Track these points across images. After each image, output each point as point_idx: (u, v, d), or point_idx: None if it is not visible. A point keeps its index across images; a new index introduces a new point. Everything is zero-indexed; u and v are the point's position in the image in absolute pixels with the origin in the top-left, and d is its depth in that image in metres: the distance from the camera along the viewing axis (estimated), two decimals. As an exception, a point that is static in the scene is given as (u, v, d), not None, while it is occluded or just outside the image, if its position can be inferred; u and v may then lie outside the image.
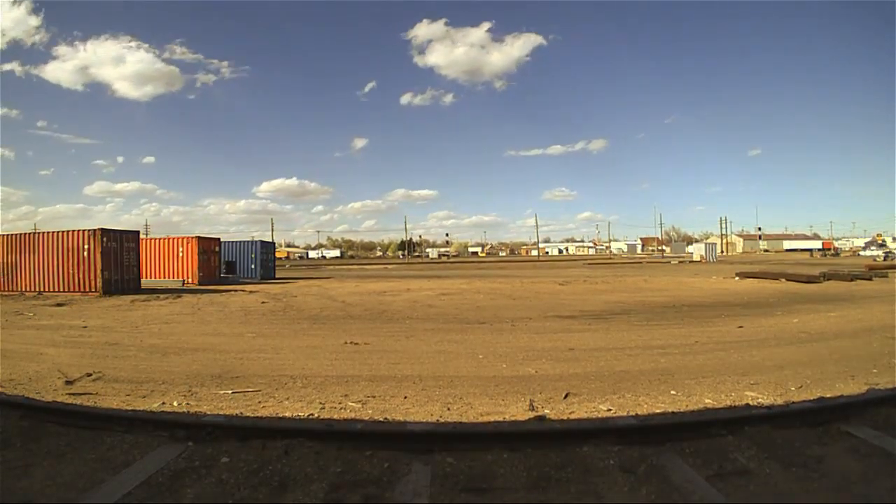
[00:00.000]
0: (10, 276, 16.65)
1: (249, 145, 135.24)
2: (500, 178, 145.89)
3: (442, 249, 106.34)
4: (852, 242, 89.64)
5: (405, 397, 4.55)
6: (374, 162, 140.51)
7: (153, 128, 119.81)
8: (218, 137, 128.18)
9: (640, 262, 50.39)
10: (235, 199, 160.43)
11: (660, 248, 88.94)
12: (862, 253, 62.18)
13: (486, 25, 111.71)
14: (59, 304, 13.13)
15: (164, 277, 21.18)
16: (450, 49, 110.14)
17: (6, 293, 16.10)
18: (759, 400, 4.29)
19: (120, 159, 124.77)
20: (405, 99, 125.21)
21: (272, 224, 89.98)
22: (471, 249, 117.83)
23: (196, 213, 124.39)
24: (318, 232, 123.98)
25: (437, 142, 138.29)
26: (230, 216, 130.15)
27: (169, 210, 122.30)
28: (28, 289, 16.33)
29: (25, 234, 17.23)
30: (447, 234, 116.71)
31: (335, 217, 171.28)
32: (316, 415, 4.02)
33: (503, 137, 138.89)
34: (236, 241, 26.22)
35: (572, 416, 3.94)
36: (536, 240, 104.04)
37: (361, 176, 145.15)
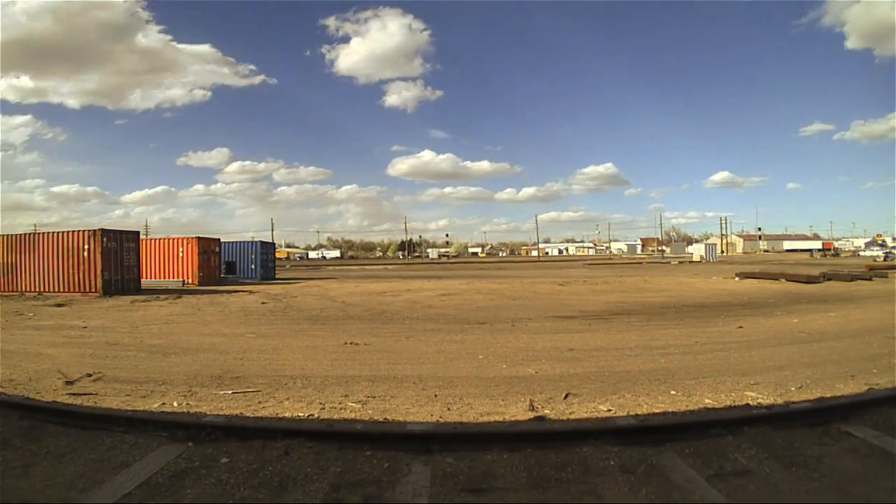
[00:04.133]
0: (10, 277, 16.64)
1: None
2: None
3: (442, 250, 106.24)
4: (852, 242, 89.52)
5: (405, 397, 4.55)
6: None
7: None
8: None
9: (640, 263, 50.40)
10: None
11: (660, 248, 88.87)
12: (862, 253, 62.07)
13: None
14: (59, 305, 13.13)
15: (164, 278, 21.17)
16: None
17: (6, 293, 16.09)
18: (759, 400, 4.28)
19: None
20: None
21: (272, 224, 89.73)
22: (471, 250, 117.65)
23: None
24: (318, 232, 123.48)
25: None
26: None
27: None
28: (28, 289, 16.31)
29: (25, 234, 17.24)
30: (447, 235, 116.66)
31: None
32: (316, 415, 4.02)
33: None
34: (236, 242, 26.21)
35: (572, 417, 3.93)
36: (536, 240, 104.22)
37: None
